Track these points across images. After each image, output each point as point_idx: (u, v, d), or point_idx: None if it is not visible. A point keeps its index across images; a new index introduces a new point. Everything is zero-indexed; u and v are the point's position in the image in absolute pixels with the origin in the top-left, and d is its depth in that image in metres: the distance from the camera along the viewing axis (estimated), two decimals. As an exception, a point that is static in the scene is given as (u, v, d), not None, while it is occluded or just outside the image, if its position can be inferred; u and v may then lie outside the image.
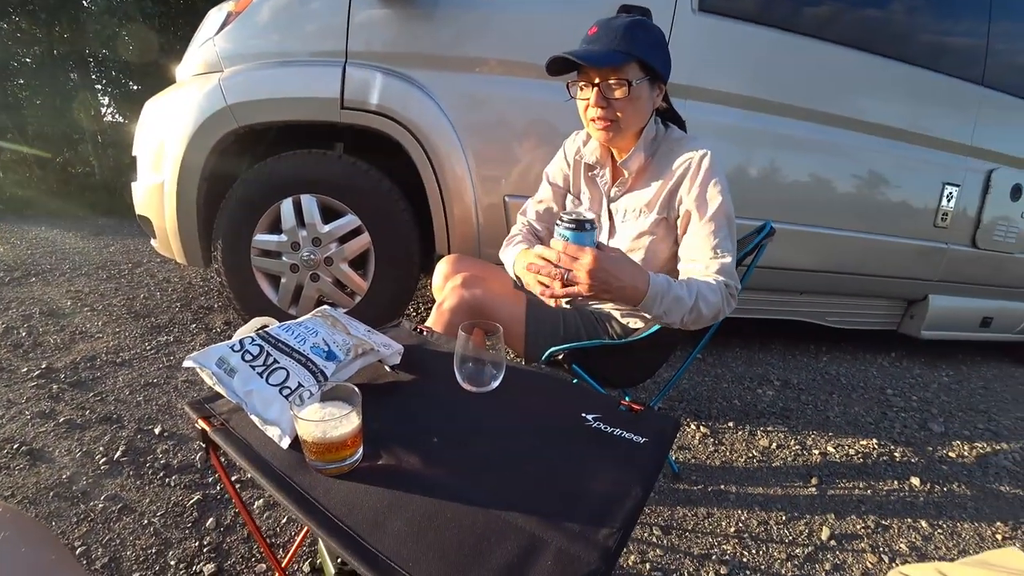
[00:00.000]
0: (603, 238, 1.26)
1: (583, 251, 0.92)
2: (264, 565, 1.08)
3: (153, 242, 2.09)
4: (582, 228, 0.94)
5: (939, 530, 1.42)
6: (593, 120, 1.10)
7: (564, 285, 0.96)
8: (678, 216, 1.13)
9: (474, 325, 0.83)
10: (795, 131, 2.05)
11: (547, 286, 0.99)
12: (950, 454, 1.84)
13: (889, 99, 2.17)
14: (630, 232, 1.19)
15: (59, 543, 0.48)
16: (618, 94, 1.05)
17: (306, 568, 1.08)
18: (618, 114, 1.07)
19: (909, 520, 1.45)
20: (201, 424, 0.70)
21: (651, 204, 1.15)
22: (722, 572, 1.18)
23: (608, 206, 1.25)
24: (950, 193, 2.31)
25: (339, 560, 0.95)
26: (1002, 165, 2.39)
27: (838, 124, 2.10)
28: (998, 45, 2.27)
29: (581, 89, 1.10)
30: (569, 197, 1.34)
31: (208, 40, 1.89)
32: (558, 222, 0.95)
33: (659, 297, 0.98)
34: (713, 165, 1.08)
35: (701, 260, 1.08)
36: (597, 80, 1.06)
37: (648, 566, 1.18)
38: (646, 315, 1.23)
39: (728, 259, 1.07)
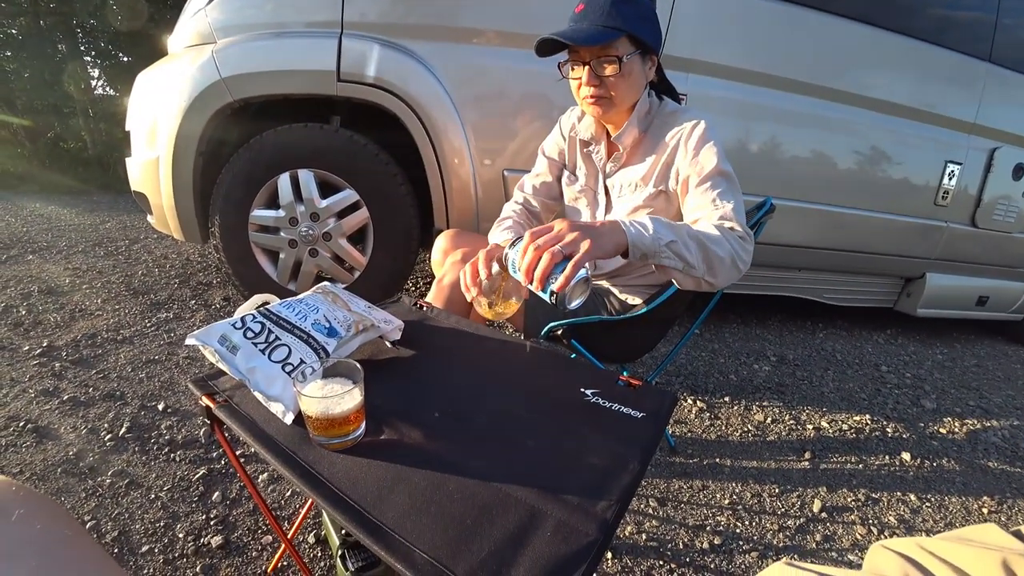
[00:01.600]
0: (599, 214, 1.26)
1: (547, 226, 0.85)
2: (270, 537, 1.11)
3: (150, 218, 2.08)
4: None
5: (927, 504, 1.46)
6: (586, 98, 1.09)
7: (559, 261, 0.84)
8: (676, 186, 1.12)
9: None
10: (797, 106, 2.03)
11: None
12: (941, 430, 1.87)
13: (893, 74, 2.14)
14: (626, 207, 1.19)
15: (72, 519, 0.49)
16: (609, 71, 1.04)
17: (311, 540, 1.10)
18: (611, 91, 1.06)
19: (899, 494, 1.48)
20: (205, 401, 0.71)
21: (646, 178, 1.14)
22: (716, 543, 1.22)
23: (604, 182, 1.24)
24: (952, 171, 2.30)
25: (343, 532, 0.97)
26: (1006, 144, 2.37)
27: (841, 99, 2.08)
28: (1008, 20, 2.23)
29: (572, 68, 1.08)
30: (566, 173, 1.33)
31: (200, 10, 1.84)
32: (507, 251, 0.88)
33: (641, 224, 0.89)
34: (707, 132, 1.06)
35: (703, 216, 1.04)
36: (588, 59, 1.04)
37: (644, 536, 1.21)
38: (647, 284, 1.23)
39: (730, 205, 1.01)
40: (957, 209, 2.39)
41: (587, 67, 1.05)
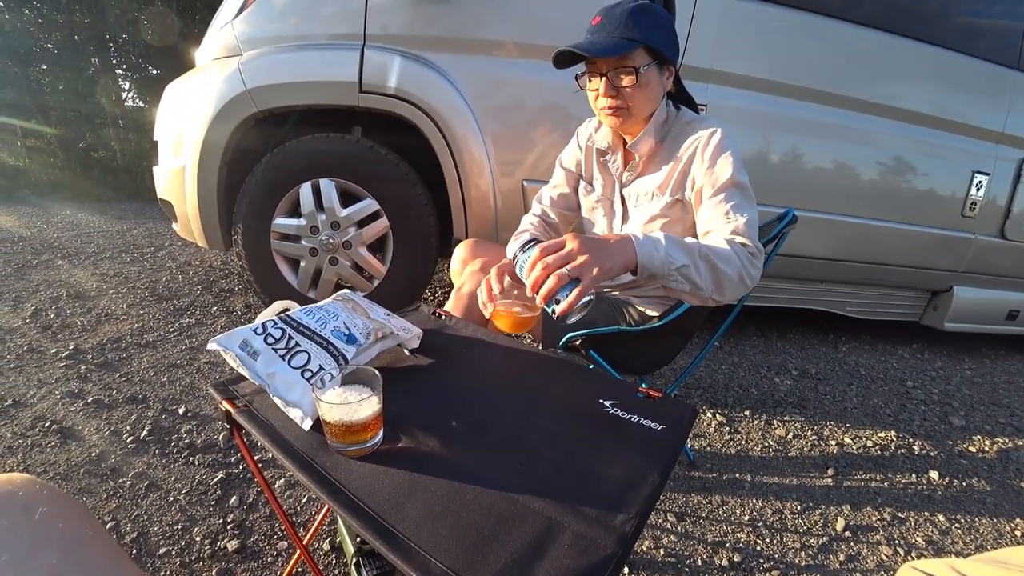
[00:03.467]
0: (616, 224, 1.26)
1: (558, 241, 0.83)
2: (286, 543, 1.11)
3: (175, 226, 2.12)
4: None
5: (956, 525, 1.41)
6: (604, 109, 1.09)
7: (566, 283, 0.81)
8: (692, 195, 1.11)
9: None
10: (819, 116, 2.01)
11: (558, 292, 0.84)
12: (970, 448, 1.81)
13: (918, 84, 2.11)
14: (643, 216, 1.18)
15: (94, 519, 0.50)
16: (626, 82, 1.04)
17: (326, 546, 1.10)
18: (628, 102, 1.07)
19: (926, 514, 1.43)
20: (225, 405, 0.72)
21: (663, 187, 1.14)
22: (735, 560, 1.19)
23: (620, 191, 1.24)
24: (979, 182, 2.24)
25: (358, 539, 0.97)
26: (1035, 154, 2.31)
27: (864, 109, 2.05)
28: (1037, 28, 2.18)
29: (590, 80, 1.09)
30: (582, 183, 1.32)
31: (227, 24, 1.89)
32: (517, 253, 0.90)
33: (653, 244, 0.87)
34: (723, 141, 1.06)
35: (715, 228, 1.03)
36: (605, 70, 1.05)
37: (662, 552, 1.19)
38: (666, 295, 1.22)
39: (743, 219, 1.00)
40: (985, 220, 2.33)
41: (604, 78, 1.05)
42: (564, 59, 1.06)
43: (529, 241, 0.89)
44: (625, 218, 1.24)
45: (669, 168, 1.12)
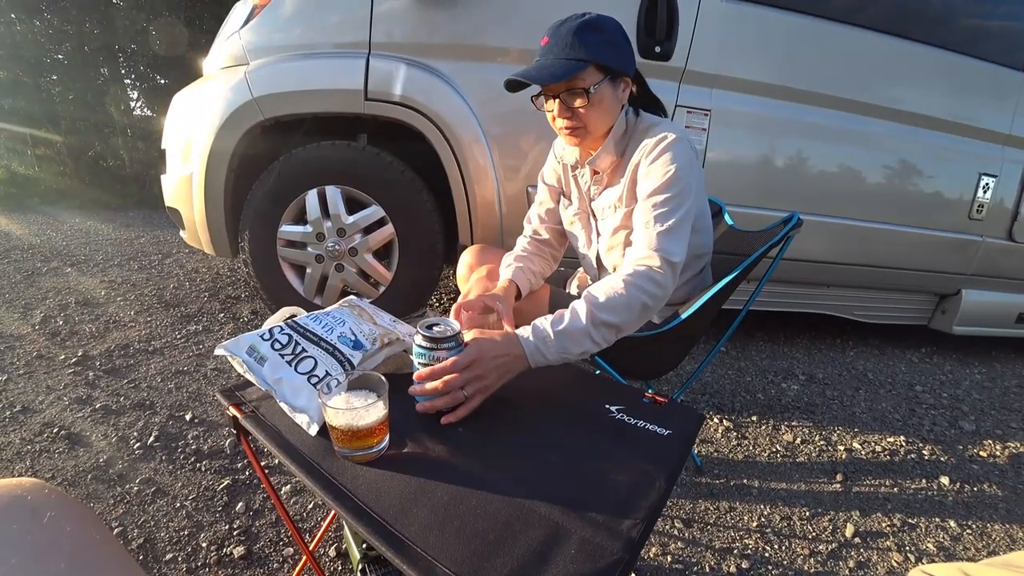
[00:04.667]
0: (593, 236, 1.24)
1: (444, 366, 0.75)
2: (291, 549, 1.11)
3: (182, 233, 2.14)
4: (436, 346, 0.76)
5: (968, 531, 1.39)
6: (561, 130, 1.08)
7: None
8: None
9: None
10: (825, 120, 2.00)
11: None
12: (981, 453, 1.79)
13: (923, 87, 2.11)
14: (608, 228, 1.17)
15: (102, 524, 0.50)
16: (578, 103, 1.02)
17: (332, 553, 1.10)
18: (584, 121, 1.05)
19: (937, 519, 1.42)
20: (232, 411, 0.72)
21: (622, 198, 1.12)
22: (743, 566, 1.18)
23: (590, 206, 1.23)
24: (986, 184, 2.23)
25: (364, 545, 0.97)
26: (1043, 155, 2.29)
27: (869, 113, 2.05)
28: (1041, 29, 2.17)
29: (546, 101, 1.07)
30: (562, 198, 1.32)
31: (234, 33, 1.92)
32: (417, 330, 0.78)
33: (542, 344, 0.84)
34: (670, 145, 1.02)
35: (635, 239, 1.01)
36: (556, 92, 1.03)
37: (669, 558, 1.18)
38: (673, 298, 1.20)
39: (660, 229, 0.97)
40: (993, 223, 2.32)
41: (557, 100, 1.03)
42: (516, 84, 1.04)
43: (433, 328, 0.77)
44: (598, 232, 1.23)
45: (626, 178, 1.10)
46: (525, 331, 0.85)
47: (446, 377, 0.74)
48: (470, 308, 0.99)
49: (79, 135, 6.11)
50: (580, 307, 0.89)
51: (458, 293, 1.27)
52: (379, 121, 1.86)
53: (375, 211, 1.92)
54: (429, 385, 0.75)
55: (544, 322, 0.87)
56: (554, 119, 1.08)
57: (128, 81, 6.61)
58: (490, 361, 0.79)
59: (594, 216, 1.23)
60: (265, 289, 2.04)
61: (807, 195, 2.06)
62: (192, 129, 1.92)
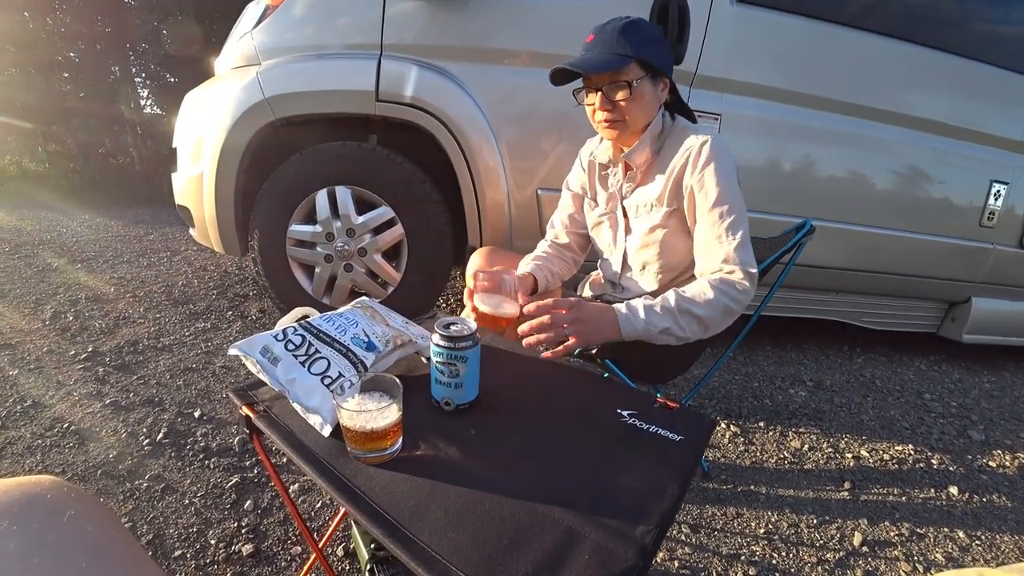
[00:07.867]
0: (620, 236, 1.27)
1: (549, 303, 0.95)
2: (299, 547, 1.11)
3: (191, 231, 2.15)
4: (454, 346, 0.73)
5: (977, 541, 1.38)
6: (601, 122, 1.13)
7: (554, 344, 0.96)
8: (686, 204, 1.13)
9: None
10: (835, 125, 1.99)
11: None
12: (990, 463, 1.78)
13: (934, 92, 2.09)
14: (643, 227, 1.20)
15: (119, 522, 0.50)
16: (620, 96, 1.08)
17: (340, 552, 1.11)
18: (624, 115, 1.10)
19: (946, 529, 1.41)
20: (245, 411, 0.73)
21: (660, 197, 1.15)
22: (751, 573, 1.17)
23: (622, 203, 1.25)
24: (998, 191, 2.22)
25: (373, 545, 0.97)
26: (1056, 163, 2.27)
27: (879, 118, 2.03)
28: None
29: (587, 95, 1.13)
30: (587, 200, 1.34)
31: (246, 34, 1.93)
32: (435, 329, 0.76)
33: (633, 315, 0.99)
34: (714, 149, 1.07)
35: (708, 252, 1.08)
36: (600, 85, 1.09)
37: (677, 564, 1.18)
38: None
39: (735, 242, 1.05)
40: (1004, 231, 2.30)
41: (600, 93, 1.10)
42: (561, 76, 1.10)
43: (451, 328, 0.76)
44: (628, 230, 1.25)
45: (665, 178, 1.14)
46: (617, 305, 1.00)
47: (553, 310, 0.92)
48: (487, 272, 1.06)
49: (90, 132, 6.16)
50: (669, 295, 1.02)
51: (467, 295, 1.28)
52: (389, 122, 1.87)
53: (385, 211, 1.93)
54: (535, 321, 0.92)
55: (633, 300, 1.02)
56: (594, 112, 1.14)
57: (139, 79, 6.67)
58: (592, 311, 0.96)
59: (625, 215, 1.25)
60: (274, 288, 2.05)
61: (817, 200, 2.05)
62: (204, 128, 1.93)
